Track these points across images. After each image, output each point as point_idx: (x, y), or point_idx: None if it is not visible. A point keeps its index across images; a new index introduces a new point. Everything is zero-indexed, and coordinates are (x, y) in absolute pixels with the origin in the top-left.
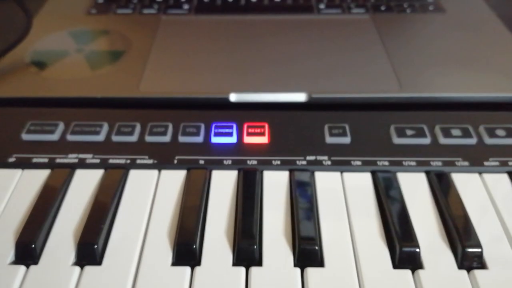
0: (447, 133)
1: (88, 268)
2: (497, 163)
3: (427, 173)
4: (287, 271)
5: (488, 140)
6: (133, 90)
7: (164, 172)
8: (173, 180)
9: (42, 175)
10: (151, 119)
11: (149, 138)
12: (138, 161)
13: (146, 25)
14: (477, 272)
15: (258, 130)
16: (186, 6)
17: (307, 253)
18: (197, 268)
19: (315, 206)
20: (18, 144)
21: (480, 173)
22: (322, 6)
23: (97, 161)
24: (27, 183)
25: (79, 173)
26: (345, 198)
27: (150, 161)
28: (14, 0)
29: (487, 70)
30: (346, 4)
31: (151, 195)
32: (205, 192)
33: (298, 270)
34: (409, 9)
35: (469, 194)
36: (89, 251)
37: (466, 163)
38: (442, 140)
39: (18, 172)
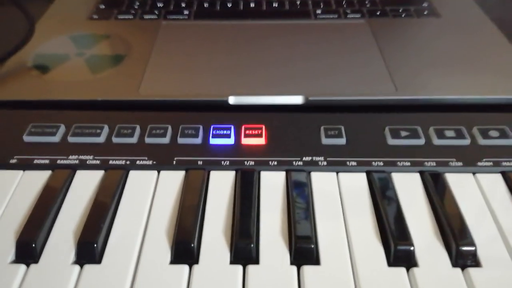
0: (441, 134)
1: (88, 267)
2: (490, 164)
3: (421, 173)
4: (283, 269)
5: (482, 141)
6: (133, 93)
7: (163, 173)
8: (172, 181)
9: (43, 176)
10: (150, 121)
11: (148, 140)
12: (138, 162)
13: (146, 30)
14: (471, 270)
15: (255, 132)
16: (186, 12)
17: (303, 251)
18: (195, 267)
19: (311, 206)
20: (20, 145)
21: (473, 173)
22: (318, 11)
23: (98, 162)
24: (28, 184)
25: (80, 174)
26: (340, 197)
27: (150, 162)
28: (17, 5)
29: (481, 72)
30: (342, 9)
31: (150, 195)
32: (203, 192)
33: (294, 268)
34: (404, 13)
35: (463, 194)
36: (89, 250)
37: (460, 164)
38: (436, 141)
39: (19, 173)
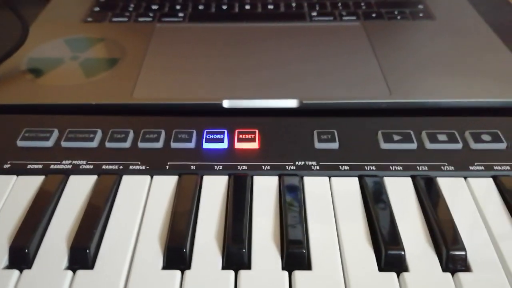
0: (433, 138)
1: (80, 272)
2: (482, 168)
3: (413, 178)
4: (275, 274)
5: (474, 145)
6: (126, 97)
7: (156, 178)
8: (165, 186)
9: (37, 181)
10: (144, 125)
11: (141, 145)
12: (131, 167)
13: (140, 33)
14: (461, 275)
15: (248, 136)
16: (180, 14)
17: (295, 256)
18: (187, 272)
19: (303, 210)
20: (13, 150)
21: (465, 177)
22: (314, 14)
23: (91, 167)
24: (21, 189)
25: (73, 179)
26: (333, 202)
27: (143, 167)
28: (11, 9)
29: (476, 75)
30: (337, 11)
31: (143, 200)
32: (196, 197)
33: (286, 273)
34: (399, 16)
35: (454, 198)
36: (81, 255)
37: (452, 168)
38: (428, 145)
39: (12, 178)
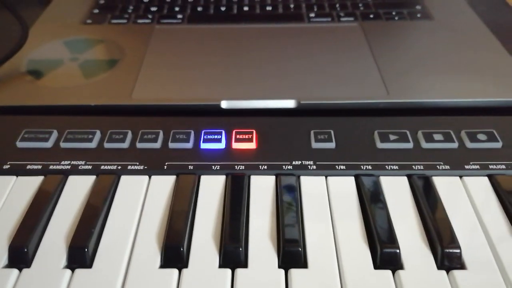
0: (429, 138)
1: (79, 271)
2: (477, 167)
3: (409, 177)
4: (271, 273)
5: (469, 144)
6: (125, 98)
7: (154, 178)
8: (163, 185)
9: (36, 181)
10: (142, 126)
11: (140, 145)
12: (129, 167)
13: (140, 35)
14: (456, 272)
15: (246, 136)
16: (179, 16)
17: (291, 254)
18: (184, 271)
19: (299, 209)
20: (13, 151)
21: (461, 176)
22: (312, 15)
23: (89, 167)
24: (20, 189)
25: (72, 179)
26: (329, 201)
27: (141, 167)
28: (11, 11)
29: (473, 75)
30: (335, 12)
31: (141, 200)
32: (193, 197)
33: (282, 271)
34: (397, 16)
35: (449, 197)
36: (80, 254)
37: (447, 167)
38: (424, 145)
39: (12, 179)
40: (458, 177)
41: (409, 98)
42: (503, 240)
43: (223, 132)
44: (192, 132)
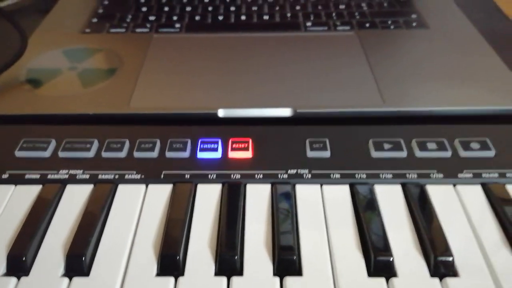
0: (423, 147)
1: (76, 279)
2: (470, 175)
3: (403, 185)
4: (266, 280)
5: (463, 153)
6: (123, 107)
7: (151, 187)
8: (160, 194)
9: (34, 190)
10: (139, 135)
11: (137, 154)
12: (127, 176)
13: (138, 44)
14: (449, 280)
15: (242, 145)
16: (177, 25)
17: (286, 262)
18: (180, 279)
19: (295, 218)
20: (12, 160)
21: (454, 184)
22: (309, 23)
23: (87, 176)
24: (19, 199)
25: (70, 188)
26: (324, 209)
27: (138, 176)
28: (10, 22)
29: (468, 84)
30: (332, 21)
31: (138, 209)
32: (190, 205)
33: (277, 279)
34: (393, 25)
35: (443, 205)
36: (77, 263)
37: (441, 175)
38: (418, 153)
39: (11, 188)
40: (451, 186)
41: (404, 106)
42: (496, 248)
43: (220, 141)
44: (189, 141)
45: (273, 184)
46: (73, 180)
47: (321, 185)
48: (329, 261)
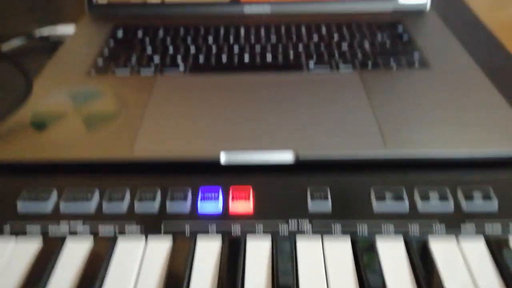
0: (424, 196)
1: None
2: (473, 226)
3: (405, 237)
4: None
5: (465, 203)
6: (127, 152)
7: (151, 242)
8: (159, 250)
9: (34, 245)
10: (140, 184)
11: (137, 204)
12: (127, 226)
13: (142, 85)
14: None
15: (243, 194)
16: (181, 66)
17: None
18: None
19: (295, 274)
20: (13, 211)
21: (456, 235)
22: (311, 64)
23: (87, 228)
24: (19, 255)
25: (69, 243)
26: (325, 266)
27: (138, 228)
28: (15, 65)
29: (471, 127)
30: (334, 61)
31: (137, 266)
32: (189, 261)
33: None
34: (395, 65)
35: (446, 263)
36: None
37: (443, 226)
38: (420, 203)
39: (11, 240)
40: (455, 240)
41: (406, 150)
42: None
43: (220, 190)
44: (190, 190)
45: (273, 239)
46: (73, 232)
47: (322, 238)
48: None
